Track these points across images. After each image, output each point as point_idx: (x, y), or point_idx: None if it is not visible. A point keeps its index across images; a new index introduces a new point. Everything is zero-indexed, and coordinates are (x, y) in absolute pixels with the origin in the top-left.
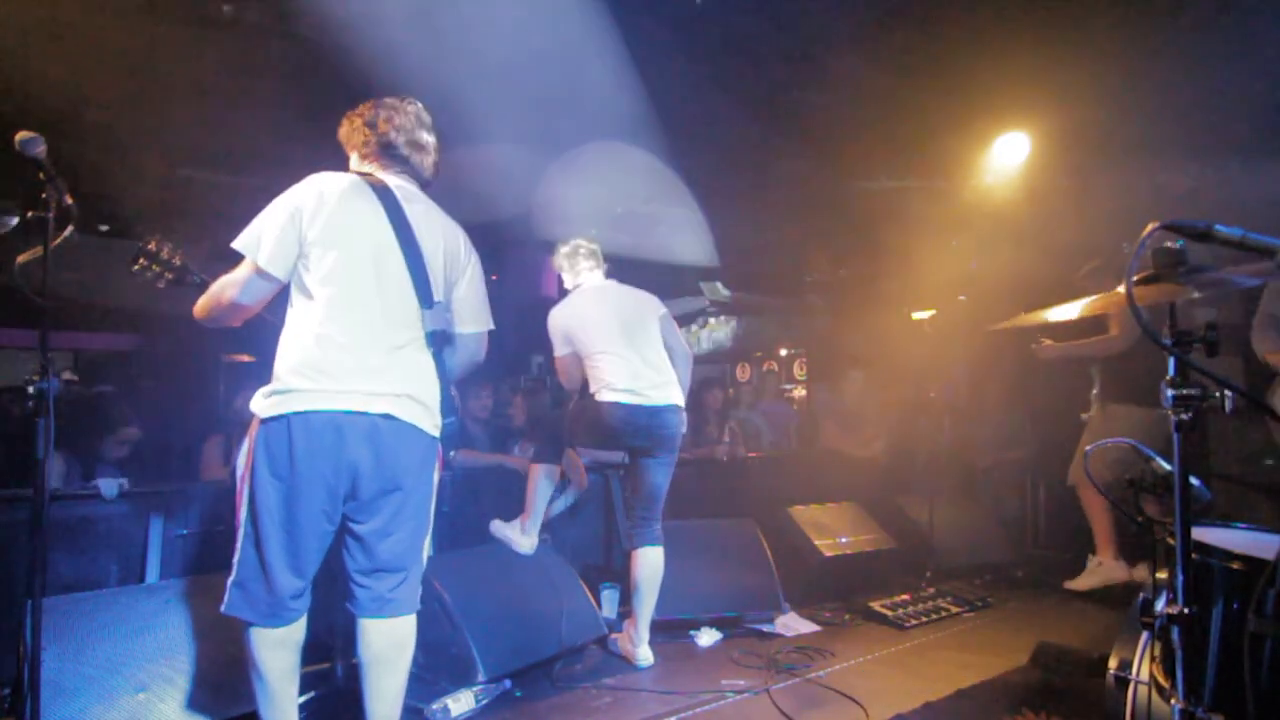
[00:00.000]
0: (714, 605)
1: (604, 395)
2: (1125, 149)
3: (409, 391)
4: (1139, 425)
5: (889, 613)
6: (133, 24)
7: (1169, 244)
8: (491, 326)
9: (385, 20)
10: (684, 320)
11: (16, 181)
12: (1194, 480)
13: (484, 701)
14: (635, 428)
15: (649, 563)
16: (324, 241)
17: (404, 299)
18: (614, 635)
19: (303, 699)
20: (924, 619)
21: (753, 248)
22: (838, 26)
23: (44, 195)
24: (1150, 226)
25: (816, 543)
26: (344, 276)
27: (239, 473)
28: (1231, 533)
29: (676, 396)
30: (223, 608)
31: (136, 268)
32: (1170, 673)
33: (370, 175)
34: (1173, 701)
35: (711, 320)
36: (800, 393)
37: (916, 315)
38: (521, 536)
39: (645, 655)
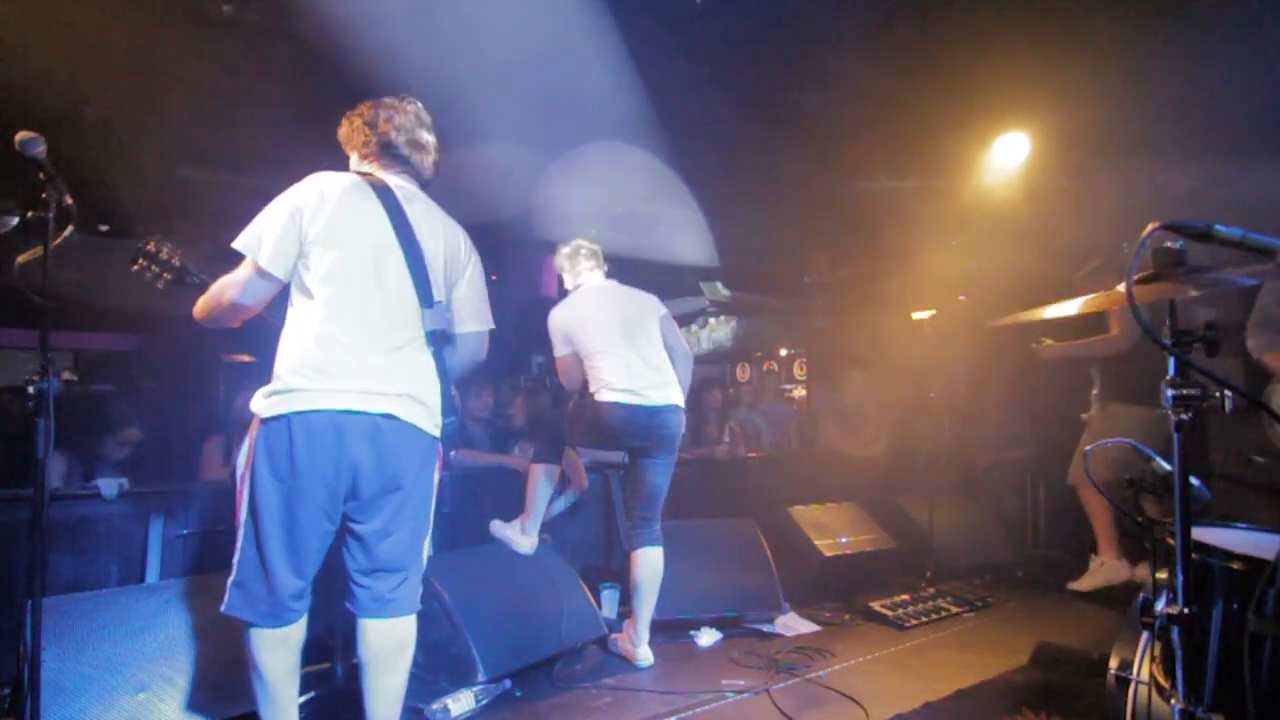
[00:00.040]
0: (714, 605)
1: (604, 395)
2: (1125, 149)
3: (410, 391)
4: (1139, 425)
5: (889, 613)
6: (133, 24)
7: (1169, 244)
8: (492, 326)
9: (385, 20)
10: (684, 320)
11: (16, 181)
12: (1194, 480)
13: (484, 701)
14: (635, 428)
15: (649, 563)
16: (324, 241)
17: (404, 298)
18: (614, 635)
19: (303, 699)
20: (924, 619)
21: (753, 248)
22: (838, 26)
23: (44, 195)
24: (1150, 226)
25: (816, 543)
26: (344, 276)
27: (239, 472)
28: (1231, 533)
29: (676, 397)
30: (223, 608)
31: (136, 268)
32: (1170, 673)
33: (370, 175)
34: (1173, 701)
35: (711, 320)
36: (800, 393)
37: (916, 315)
38: (521, 536)
39: (645, 655)
